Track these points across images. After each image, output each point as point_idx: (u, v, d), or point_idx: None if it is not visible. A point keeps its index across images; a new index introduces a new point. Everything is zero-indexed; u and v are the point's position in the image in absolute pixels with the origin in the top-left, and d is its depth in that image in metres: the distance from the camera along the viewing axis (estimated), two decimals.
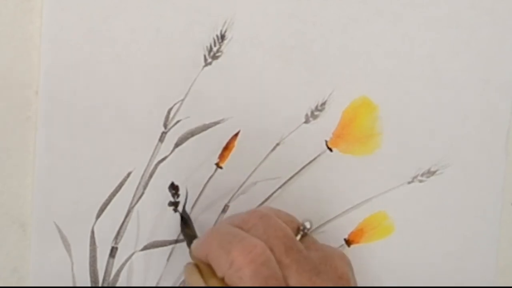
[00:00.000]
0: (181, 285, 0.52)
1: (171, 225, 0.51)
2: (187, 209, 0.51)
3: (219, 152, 0.51)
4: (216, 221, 0.52)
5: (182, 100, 0.50)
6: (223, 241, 0.43)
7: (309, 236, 0.46)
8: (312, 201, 0.52)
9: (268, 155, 0.52)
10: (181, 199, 0.51)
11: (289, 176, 0.52)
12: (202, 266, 0.45)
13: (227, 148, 0.51)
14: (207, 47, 0.50)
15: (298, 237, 0.45)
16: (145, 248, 0.51)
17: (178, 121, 0.50)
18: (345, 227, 0.53)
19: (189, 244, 0.48)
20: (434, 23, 0.53)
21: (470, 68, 0.53)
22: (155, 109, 0.50)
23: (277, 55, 0.51)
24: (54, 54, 0.49)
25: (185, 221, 0.50)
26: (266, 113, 0.51)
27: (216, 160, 0.51)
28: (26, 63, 0.49)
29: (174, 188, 0.51)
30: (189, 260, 0.48)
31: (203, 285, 0.44)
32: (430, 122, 0.53)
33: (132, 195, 0.51)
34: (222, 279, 0.42)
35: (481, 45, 0.54)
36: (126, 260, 0.51)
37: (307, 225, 0.46)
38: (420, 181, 0.54)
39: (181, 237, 0.51)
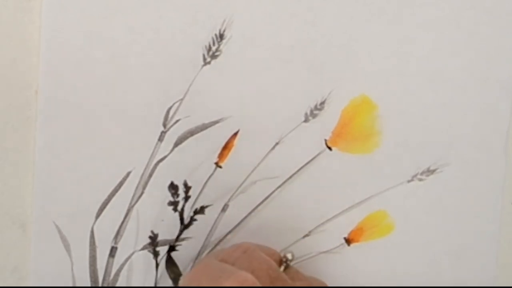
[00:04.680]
0: None
1: (171, 225, 0.51)
2: (187, 209, 0.51)
3: (219, 151, 0.51)
4: (215, 221, 0.52)
5: (182, 99, 0.50)
6: (213, 276, 0.43)
7: (291, 267, 0.47)
8: (311, 200, 0.52)
9: (267, 154, 0.52)
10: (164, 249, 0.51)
11: (289, 175, 0.52)
12: None
13: (226, 147, 0.51)
14: (206, 46, 0.50)
15: (282, 268, 0.47)
16: (145, 247, 0.51)
17: (177, 121, 0.50)
18: (345, 226, 0.53)
19: (175, 282, 0.49)
20: (434, 23, 0.53)
21: (470, 67, 0.53)
22: (155, 108, 0.50)
23: (276, 54, 0.51)
24: (53, 54, 0.49)
25: (172, 261, 0.51)
26: (265, 112, 0.51)
27: (215, 160, 0.51)
28: (26, 63, 0.49)
29: (173, 188, 0.51)
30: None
31: None
32: (429, 121, 0.53)
33: (131, 195, 0.51)
34: None
35: (481, 45, 0.53)
36: (126, 260, 0.51)
37: (289, 256, 0.47)
38: (420, 179, 0.53)
39: (181, 236, 0.51)
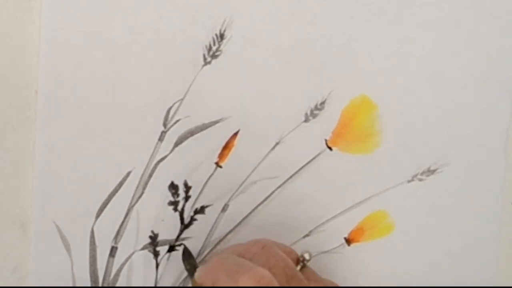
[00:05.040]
0: (181, 285, 0.52)
1: (171, 225, 0.51)
2: (187, 208, 0.51)
3: (219, 151, 0.51)
4: (216, 221, 0.52)
5: (182, 99, 0.50)
6: (230, 270, 0.43)
7: (308, 267, 0.47)
8: (312, 200, 0.52)
9: (267, 154, 0.52)
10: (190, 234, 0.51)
11: (289, 175, 0.52)
12: None
13: (226, 147, 0.51)
14: (206, 46, 0.50)
15: (298, 268, 0.46)
16: (145, 247, 0.51)
17: (177, 120, 0.50)
18: (345, 226, 0.53)
19: (191, 274, 0.49)
20: (434, 23, 0.53)
21: (470, 67, 0.53)
22: (155, 108, 0.50)
23: (276, 54, 0.51)
24: (53, 54, 0.49)
25: (189, 253, 0.50)
26: (266, 112, 0.51)
27: (215, 159, 0.51)
28: (25, 63, 0.49)
29: (174, 188, 0.51)
30: None
31: None
32: (429, 121, 0.53)
33: (131, 195, 0.51)
34: None
35: (481, 45, 0.54)
36: (126, 260, 0.51)
37: (306, 256, 0.47)
38: (420, 180, 0.54)
39: (181, 236, 0.51)
